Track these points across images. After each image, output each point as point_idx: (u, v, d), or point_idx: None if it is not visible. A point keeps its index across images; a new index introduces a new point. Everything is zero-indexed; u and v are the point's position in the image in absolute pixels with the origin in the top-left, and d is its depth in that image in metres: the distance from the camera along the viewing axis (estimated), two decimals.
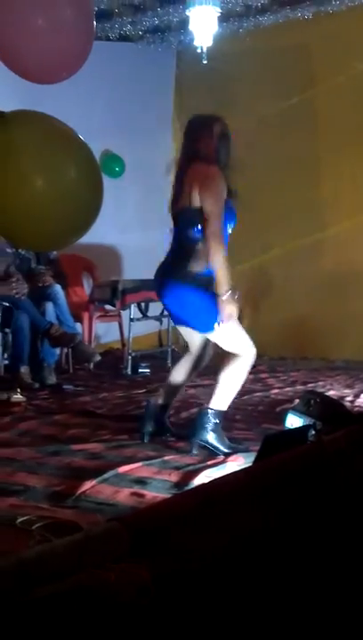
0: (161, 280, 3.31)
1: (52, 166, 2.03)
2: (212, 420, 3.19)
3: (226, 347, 3.22)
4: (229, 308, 3.08)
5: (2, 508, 2.41)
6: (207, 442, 3.18)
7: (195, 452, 3.17)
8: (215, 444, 3.16)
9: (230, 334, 3.18)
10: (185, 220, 3.20)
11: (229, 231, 3.24)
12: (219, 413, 3.21)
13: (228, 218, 3.17)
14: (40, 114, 2.14)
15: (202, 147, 3.19)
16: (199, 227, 3.12)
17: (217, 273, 3.08)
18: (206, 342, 3.38)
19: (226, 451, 3.14)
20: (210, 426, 3.18)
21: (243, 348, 3.20)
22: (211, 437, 3.17)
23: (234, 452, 3.13)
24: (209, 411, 3.21)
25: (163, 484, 2.74)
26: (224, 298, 3.07)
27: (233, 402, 3.40)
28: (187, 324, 3.37)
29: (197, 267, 3.16)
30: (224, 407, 3.23)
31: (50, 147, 2.06)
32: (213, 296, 3.13)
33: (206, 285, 3.14)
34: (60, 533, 2.05)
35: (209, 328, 3.20)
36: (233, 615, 1.58)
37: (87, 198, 2.14)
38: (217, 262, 3.07)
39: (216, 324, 3.15)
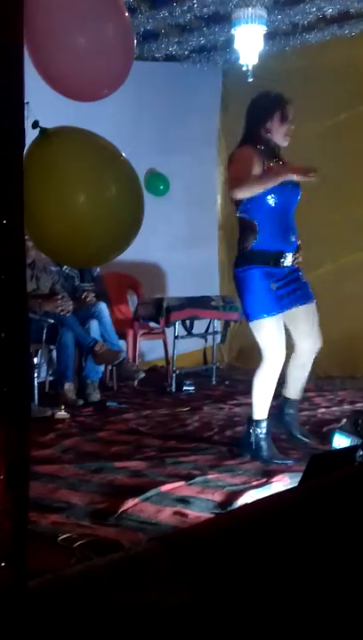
0: None
1: (94, 183, 2.03)
2: (252, 431, 3.35)
3: (258, 340, 3.29)
4: None
5: (44, 525, 2.40)
6: (248, 452, 3.36)
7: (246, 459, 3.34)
8: (259, 453, 3.32)
9: (263, 329, 3.25)
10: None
11: (271, 204, 3.25)
12: (256, 422, 3.35)
13: (268, 192, 3.21)
14: (81, 130, 2.15)
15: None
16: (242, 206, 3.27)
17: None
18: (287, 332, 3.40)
19: (270, 461, 3.27)
20: (250, 436, 3.36)
21: (269, 348, 3.25)
22: (253, 448, 3.33)
23: (279, 463, 3.24)
24: (251, 421, 3.38)
25: (206, 503, 2.70)
26: None
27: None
28: None
29: (245, 242, 3.28)
30: (258, 415, 3.35)
31: (92, 163, 2.06)
32: (264, 276, 3.24)
33: (258, 262, 3.23)
34: (102, 552, 2.03)
35: (247, 316, 3.30)
36: (276, 638, 1.53)
37: (128, 215, 2.14)
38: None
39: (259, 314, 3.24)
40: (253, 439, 3.36)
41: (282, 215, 3.28)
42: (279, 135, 3.36)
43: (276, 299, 3.27)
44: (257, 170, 3.22)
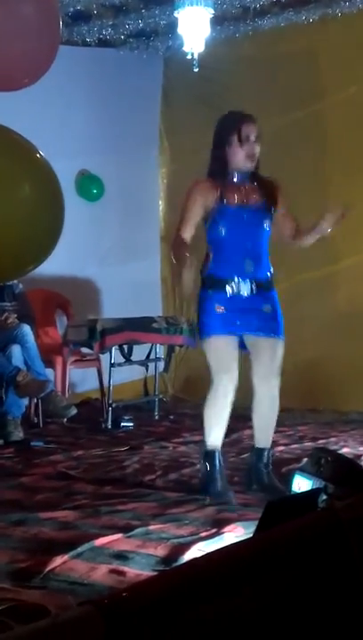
0: None
1: (4, 182, 2.03)
2: (202, 463, 3.61)
3: (207, 362, 3.57)
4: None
5: None
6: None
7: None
8: (208, 488, 3.49)
9: (209, 350, 3.56)
10: None
11: (222, 233, 3.54)
12: (207, 454, 3.58)
13: (218, 222, 3.52)
14: None
15: None
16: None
17: None
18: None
19: (219, 497, 3.41)
20: (202, 468, 3.61)
21: (214, 369, 3.53)
22: (201, 483, 3.57)
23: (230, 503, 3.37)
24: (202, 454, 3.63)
25: (147, 559, 2.69)
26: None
27: (230, 461, 3.39)
28: None
29: (203, 268, 3.59)
30: (209, 446, 3.57)
31: (1, 160, 2.06)
32: (212, 299, 3.55)
33: (210, 287, 3.57)
34: (25, 619, 2.01)
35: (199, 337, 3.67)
36: None
37: (44, 219, 2.14)
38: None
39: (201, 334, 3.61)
40: (202, 472, 3.57)
41: (238, 244, 3.54)
42: (240, 159, 3.52)
43: (221, 320, 3.55)
44: (209, 202, 3.51)
